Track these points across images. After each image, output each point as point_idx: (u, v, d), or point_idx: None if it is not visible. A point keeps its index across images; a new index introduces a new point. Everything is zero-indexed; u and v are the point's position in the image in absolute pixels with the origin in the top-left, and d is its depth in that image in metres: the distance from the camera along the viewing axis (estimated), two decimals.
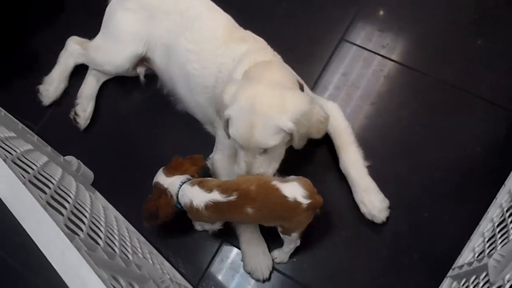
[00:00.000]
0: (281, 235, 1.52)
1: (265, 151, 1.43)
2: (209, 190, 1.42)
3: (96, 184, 1.89)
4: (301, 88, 1.52)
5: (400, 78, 1.93)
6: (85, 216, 1.12)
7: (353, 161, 1.67)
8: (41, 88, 1.99)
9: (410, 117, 1.85)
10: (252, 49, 1.58)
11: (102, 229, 1.18)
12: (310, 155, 1.78)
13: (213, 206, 1.41)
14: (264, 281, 1.65)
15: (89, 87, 1.98)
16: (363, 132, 1.83)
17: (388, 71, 1.95)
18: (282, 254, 1.64)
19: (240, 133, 1.39)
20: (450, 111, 1.85)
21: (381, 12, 2.08)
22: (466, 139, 1.79)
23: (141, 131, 1.97)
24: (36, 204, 0.76)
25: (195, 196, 1.44)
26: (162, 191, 1.50)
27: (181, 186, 1.48)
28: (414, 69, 1.93)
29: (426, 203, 1.70)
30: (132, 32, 1.80)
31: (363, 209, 1.65)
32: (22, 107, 2.01)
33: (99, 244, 1.03)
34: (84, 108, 1.94)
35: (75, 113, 1.94)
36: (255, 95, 1.36)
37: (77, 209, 1.14)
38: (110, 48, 1.87)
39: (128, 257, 1.19)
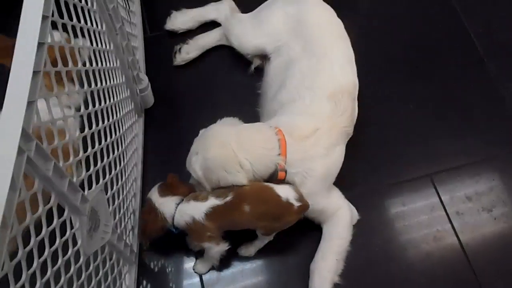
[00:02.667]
0: (260, 235, 1.57)
1: None
2: (205, 199, 1.45)
3: (147, 116, 1.96)
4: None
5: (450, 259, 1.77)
6: None
7: (323, 270, 1.60)
8: (173, 14, 2.09)
9: None
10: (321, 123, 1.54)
11: None
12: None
13: (213, 213, 1.43)
14: None
15: (208, 39, 2.06)
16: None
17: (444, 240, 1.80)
18: (252, 248, 1.66)
19: None
20: None
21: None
22: None
23: (214, 104, 2.00)
24: None
25: (194, 209, 1.46)
26: (152, 208, 1.52)
27: (176, 207, 1.49)
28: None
29: None
30: (275, 29, 1.83)
31: None
32: (151, 12, 2.14)
33: None
34: (189, 51, 2.02)
35: (179, 50, 2.02)
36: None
37: None
38: (248, 28, 1.93)
39: None
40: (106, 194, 1.32)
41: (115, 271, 1.46)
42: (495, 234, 1.84)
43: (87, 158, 1.20)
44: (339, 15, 1.83)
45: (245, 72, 2.03)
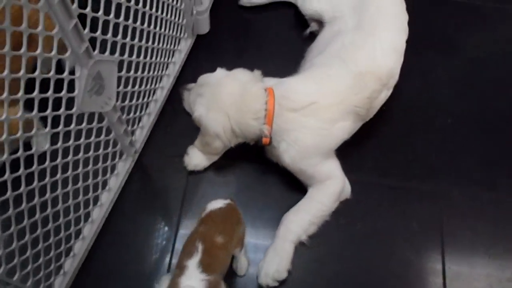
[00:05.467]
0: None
1: None
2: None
3: (198, 41, 2.08)
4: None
5: None
6: None
7: (291, 222, 1.62)
8: None
9: None
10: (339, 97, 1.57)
11: None
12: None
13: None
14: None
15: None
16: None
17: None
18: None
19: None
20: None
21: None
22: None
23: (260, 53, 2.09)
24: None
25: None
26: None
27: None
28: None
29: None
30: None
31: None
32: None
33: None
34: None
35: None
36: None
37: None
38: None
39: None
40: (120, 73, 1.44)
41: (109, 149, 1.60)
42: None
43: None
44: None
45: (301, 35, 2.09)
